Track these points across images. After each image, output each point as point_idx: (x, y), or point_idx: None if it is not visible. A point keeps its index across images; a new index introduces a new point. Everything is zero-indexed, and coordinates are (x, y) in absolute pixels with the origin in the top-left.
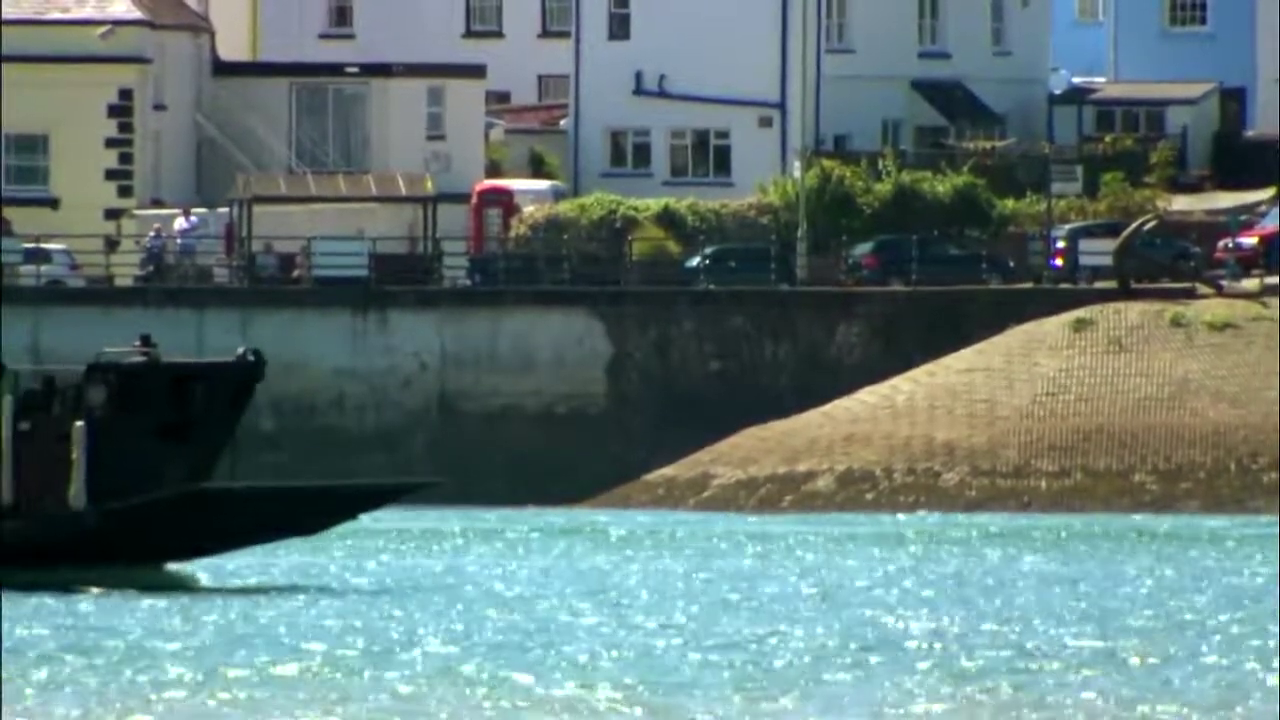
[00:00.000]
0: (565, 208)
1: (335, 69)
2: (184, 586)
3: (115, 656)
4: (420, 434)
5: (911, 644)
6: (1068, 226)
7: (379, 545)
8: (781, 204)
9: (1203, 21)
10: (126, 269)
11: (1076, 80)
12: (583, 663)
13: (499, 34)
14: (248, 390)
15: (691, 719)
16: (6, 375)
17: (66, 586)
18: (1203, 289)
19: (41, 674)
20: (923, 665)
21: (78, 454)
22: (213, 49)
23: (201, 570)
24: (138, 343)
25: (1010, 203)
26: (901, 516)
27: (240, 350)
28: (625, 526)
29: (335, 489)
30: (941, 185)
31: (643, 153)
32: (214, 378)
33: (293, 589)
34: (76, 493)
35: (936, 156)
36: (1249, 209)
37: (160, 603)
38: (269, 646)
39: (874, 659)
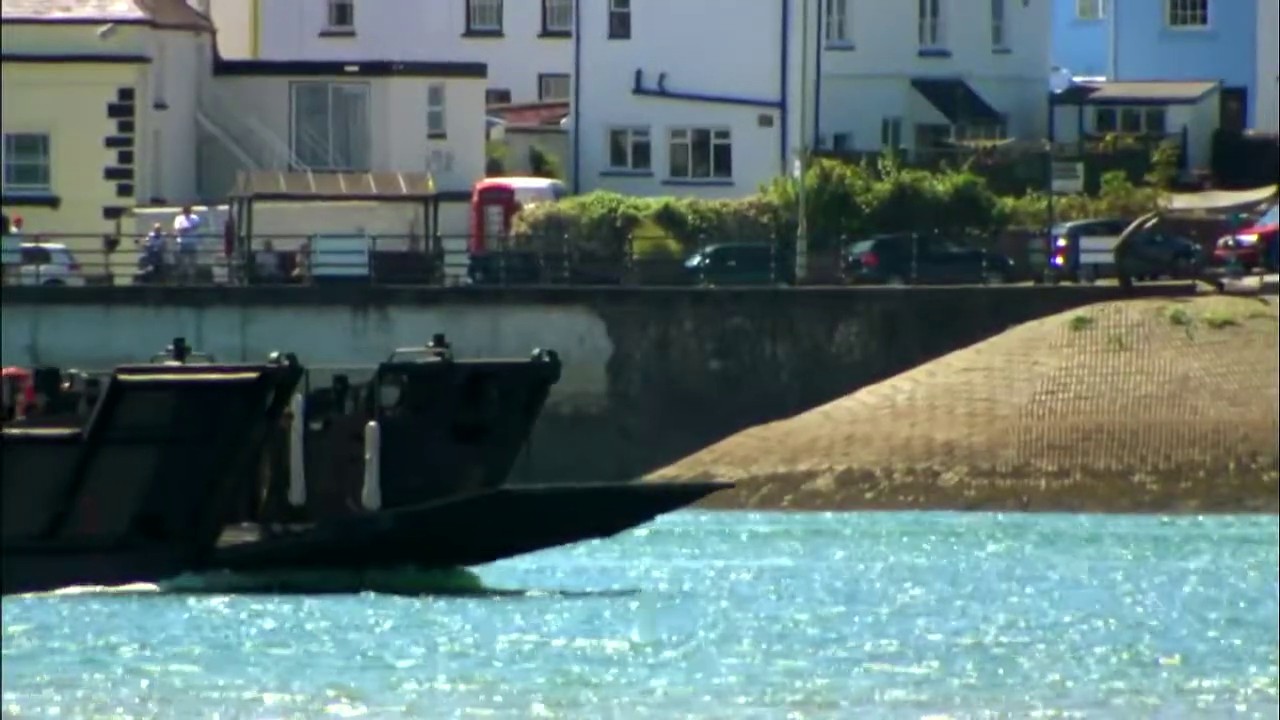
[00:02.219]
0: (566, 206)
1: (335, 68)
2: (481, 589)
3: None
4: None
5: None
6: (1068, 225)
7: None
8: (781, 203)
9: (1203, 20)
10: (126, 268)
11: (1077, 79)
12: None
13: (499, 33)
14: (542, 391)
15: None
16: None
17: (361, 588)
18: (1203, 287)
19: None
20: None
21: (370, 455)
22: (213, 48)
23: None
24: (430, 342)
25: (1010, 201)
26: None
27: (535, 351)
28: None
29: (634, 490)
30: (942, 184)
31: (643, 152)
32: (508, 378)
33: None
34: (369, 494)
35: (937, 155)
36: (1249, 207)
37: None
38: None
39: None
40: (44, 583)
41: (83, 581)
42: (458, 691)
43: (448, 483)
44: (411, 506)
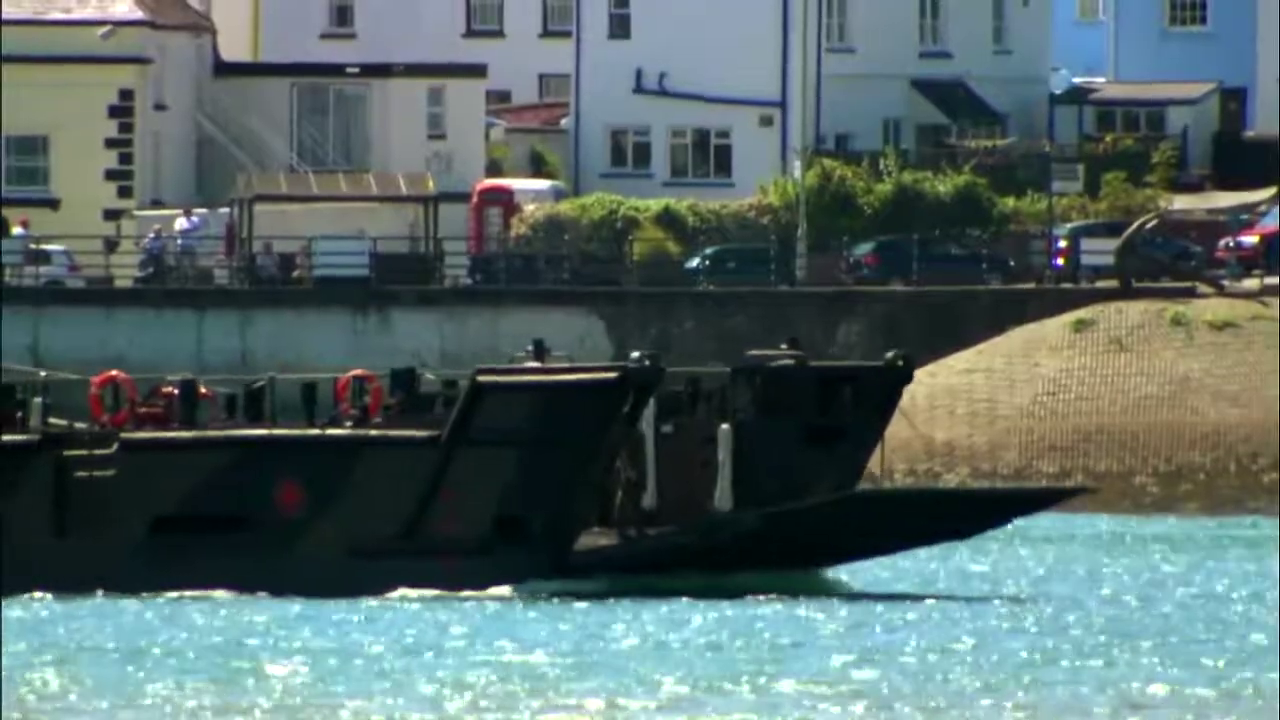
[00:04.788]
0: (566, 207)
1: (336, 69)
2: (841, 592)
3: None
4: None
5: None
6: (1069, 226)
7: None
8: (782, 204)
9: (1203, 21)
10: (126, 270)
11: (1077, 80)
12: None
13: (500, 33)
14: (896, 394)
15: None
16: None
17: (730, 592)
18: (1204, 288)
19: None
20: None
21: (723, 457)
22: (214, 49)
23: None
24: (785, 345)
25: (1011, 202)
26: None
27: (890, 354)
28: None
29: (992, 494)
30: (942, 184)
31: (643, 152)
32: (862, 380)
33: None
34: (722, 496)
35: (937, 156)
36: (1249, 208)
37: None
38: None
39: None
40: (402, 585)
41: (441, 585)
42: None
43: (800, 486)
44: (774, 508)
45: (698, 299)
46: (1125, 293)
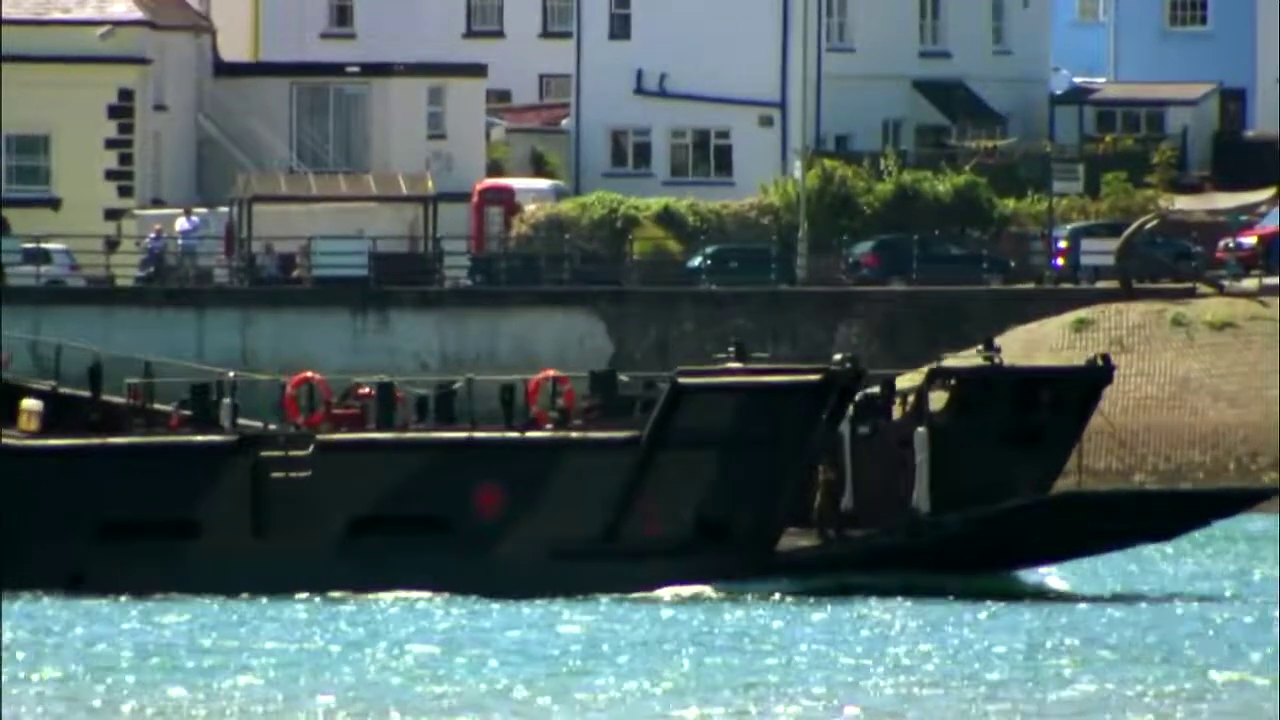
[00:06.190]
0: (566, 207)
1: (336, 69)
2: (1038, 593)
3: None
4: None
5: None
6: (1069, 226)
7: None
8: (782, 204)
9: (1203, 21)
10: (127, 269)
11: (1077, 80)
12: None
13: (500, 33)
14: (1095, 396)
15: None
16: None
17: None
18: (1203, 289)
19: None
20: None
21: (920, 459)
22: (213, 49)
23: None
24: (980, 346)
25: (1011, 202)
26: None
27: (1090, 355)
28: None
29: (1191, 494)
30: (942, 185)
31: (643, 152)
32: (1060, 383)
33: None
34: (919, 498)
35: (937, 156)
36: (1249, 209)
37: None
38: None
39: None
40: (604, 586)
41: (643, 586)
42: None
43: (997, 488)
44: (976, 510)
45: (698, 299)
46: (1125, 293)
